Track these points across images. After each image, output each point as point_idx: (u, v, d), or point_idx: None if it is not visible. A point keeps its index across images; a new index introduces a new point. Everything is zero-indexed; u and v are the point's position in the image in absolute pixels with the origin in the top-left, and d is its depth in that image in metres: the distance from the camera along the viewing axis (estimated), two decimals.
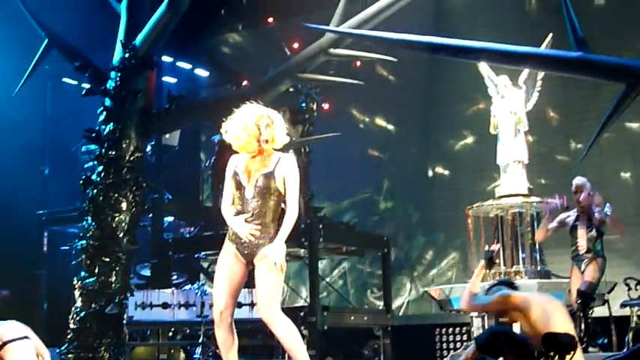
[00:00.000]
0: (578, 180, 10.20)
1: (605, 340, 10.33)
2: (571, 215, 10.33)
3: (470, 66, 13.17)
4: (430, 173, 17.00)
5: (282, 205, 5.99)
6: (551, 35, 12.15)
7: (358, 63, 14.56)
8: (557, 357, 6.07)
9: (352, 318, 13.53)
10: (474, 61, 11.38)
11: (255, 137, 5.90)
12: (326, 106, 14.99)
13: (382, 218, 17.19)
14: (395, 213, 17.16)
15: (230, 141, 6.04)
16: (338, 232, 13.90)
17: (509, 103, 12.57)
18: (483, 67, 12.78)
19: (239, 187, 5.94)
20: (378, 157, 17.53)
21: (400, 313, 16.06)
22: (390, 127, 17.68)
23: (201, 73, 17.25)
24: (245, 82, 15.25)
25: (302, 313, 12.19)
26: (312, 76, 12.91)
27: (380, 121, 17.80)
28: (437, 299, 12.37)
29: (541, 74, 12.62)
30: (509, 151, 12.49)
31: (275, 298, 5.84)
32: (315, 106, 14.35)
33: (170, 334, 12.22)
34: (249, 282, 6.20)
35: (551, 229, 10.58)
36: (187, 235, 15.46)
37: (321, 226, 13.22)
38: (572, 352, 6.12)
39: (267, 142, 5.92)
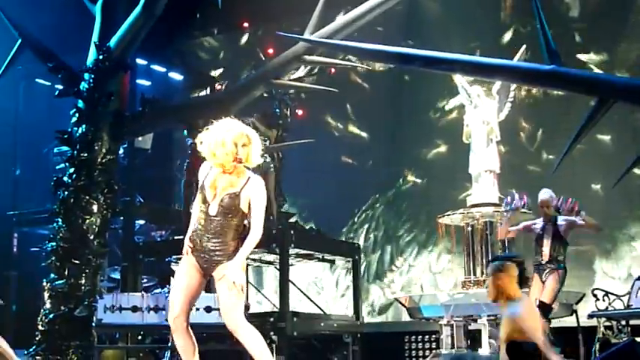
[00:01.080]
0: (543, 195, 10.25)
1: (559, 350, 10.43)
2: (537, 224, 10.41)
3: (444, 75, 13.26)
4: (403, 181, 17.06)
5: (245, 222, 5.97)
6: (524, 47, 12.27)
7: (333, 70, 14.61)
8: None
9: (322, 324, 13.55)
10: (447, 72, 11.45)
11: (232, 155, 5.85)
12: (300, 112, 15.02)
13: (354, 225, 17.23)
14: (366, 220, 17.21)
15: (204, 154, 5.97)
16: (309, 239, 13.94)
17: (482, 112, 12.67)
18: (457, 77, 12.88)
19: (204, 201, 5.90)
20: (352, 165, 17.58)
21: (370, 321, 16.09)
22: (364, 134, 17.74)
23: (176, 76, 17.23)
24: (219, 87, 15.24)
25: (272, 319, 12.20)
26: (287, 82, 12.90)
27: (353, 128, 17.86)
28: (406, 306, 12.43)
29: (514, 85, 12.74)
30: (481, 161, 12.58)
31: (237, 310, 5.90)
32: (288, 112, 14.37)
33: (139, 337, 12.18)
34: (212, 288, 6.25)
35: (513, 231, 10.67)
36: (158, 239, 15.42)
37: (292, 232, 13.24)
38: None
39: (240, 161, 5.86)
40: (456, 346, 11.32)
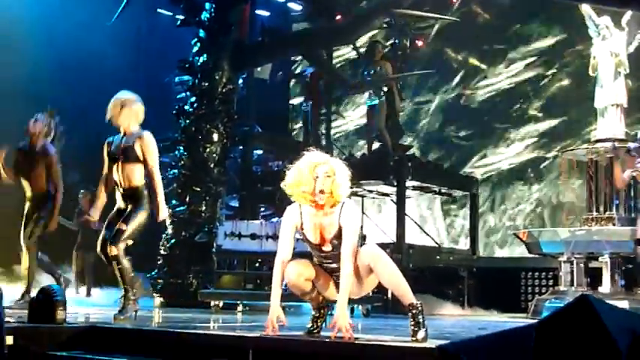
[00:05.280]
0: None
1: None
2: None
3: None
4: (522, 113, 16.69)
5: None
6: None
7: (454, 0, 14.29)
8: None
9: (438, 257, 13.49)
10: (577, 2, 11.02)
11: (317, 188, 5.39)
12: (420, 43, 14.76)
13: (473, 157, 17.01)
14: (485, 153, 16.95)
15: (288, 191, 5.51)
16: (427, 171, 13.80)
17: (611, 44, 12.13)
18: (585, 7, 12.36)
19: (313, 245, 5.58)
20: (472, 97, 17.29)
21: (486, 255, 15.95)
22: (484, 66, 17.37)
23: (295, 6, 17.14)
24: (339, 16, 15.11)
25: (387, 251, 12.18)
26: (407, 11, 12.69)
27: (473, 60, 17.51)
28: (525, 242, 12.21)
29: None
30: (608, 94, 12.08)
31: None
32: (408, 43, 14.16)
33: (257, 264, 12.39)
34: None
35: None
36: (276, 168, 15.55)
37: (409, 164, 13.14)
38: None
39: (323, 192, 5.40)
40: (575, 284, 11.07)
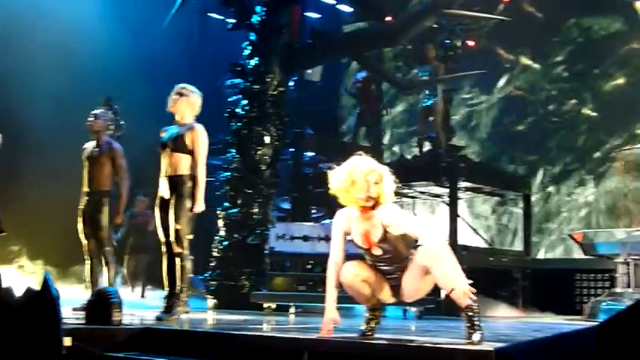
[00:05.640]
0: None
1: None
2: None
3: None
4: (576, 112, 16.47)
5: (410, 234, 5.58)
6: None
7: None
8: None
9: (491, 259, 13.37)
10: None
11: (365, 193, 5.44)
12: (471, 43, 14.63)
13: (525, 158, 16.84)
14: (539, 153, 16.77)
15: (336, 194, 5.59)
16: (479, 172, 13.69)
17: None
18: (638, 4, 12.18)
19: (363, 250, 5.60)
20: (523, 97, 17.11)
21: (540, 257, 15.78)
22: (536, 65, 17.18)
23: (345, 8, 17.13)
24: (389, 18, 15.06)
25: None
26: (458, 12, 12.60)
27: (525, 60, 17.32)
28: (580, 243, 12.05)
29: None
30: None
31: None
32: (459, 43, 14.06)
33: (309, 266, 12.39)
34: None
35: None
36: (327, 171, 15.53)
37: (461, 165, 13.05)
38: None
39: (373, 199, 5.47)
40: (632, 286, 10.89)
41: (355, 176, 5.47)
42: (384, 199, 5.52)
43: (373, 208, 5.52)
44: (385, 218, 5.50)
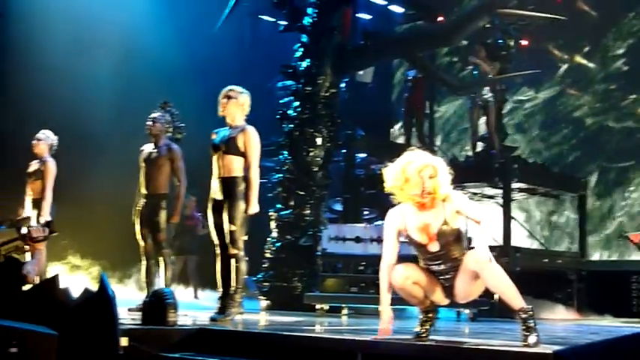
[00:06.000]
0: None
1: None
2: None
3: None
4: (629, 111, 16.23)
5: (461, 229, 5.56)
6: None
7: None
8: None
9: (545, 260, 13.22)
10: None
11: (420, 189, 5.39)
12: (524, 42, 14.48)
13: (581, 158, 16.63)
14: (594, 153, 16.55)
15: (392, 192, 5.54)
16: (533, 173, 13.55)
17: None
18: None
19: (420, 245, 5.54)
20: (577, 96, 16.90)
21: (595, 259, 15.57)
22: (591, 65, 16.96)
23: (396, 9, 17.09)
24: (441, 18, 14.99)
25: (494, 253, 11.98)
26: (512, 11, 12.50)
27: (579, 58, 17.11)
28: (637, 244, 11.87)
29: None
30: None
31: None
32: (512, 43, 13.93)
33: (361, 267, 12.37)
34: None
35: None
36: (378, 172, 15.48)
37: (515, 165, 12.93)
38: None
39: (429, 194, 5.42)
40: None
41: (409, 173, 5.42)
42: (440, 193, 5.45)
43: (432, 202, 5.46)
44: (450, 206, 5.46)
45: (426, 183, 5.40)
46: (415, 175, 5.41)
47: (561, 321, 11.42)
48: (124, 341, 5.49)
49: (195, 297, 13.70)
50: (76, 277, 13.73)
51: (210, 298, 13.02)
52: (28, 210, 9.81)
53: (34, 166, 9.88)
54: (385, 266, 5.59)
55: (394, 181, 5.50)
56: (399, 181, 5.47)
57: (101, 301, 5.07)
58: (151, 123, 9.08)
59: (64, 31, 14.36)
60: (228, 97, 7.59)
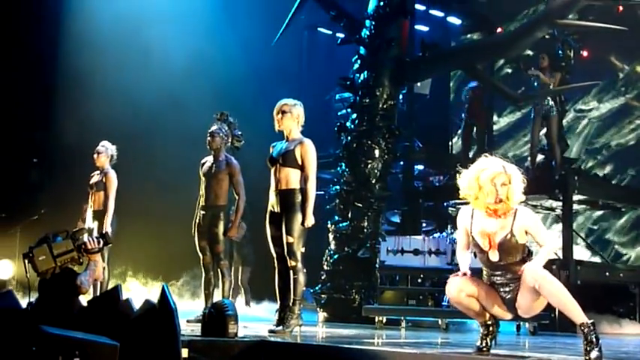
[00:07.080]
0: None
1: None
2: None
3: None
4: None
5: (527, 243, 5.54)
6: None
7: (620, 8, 13.78)
8: None
9: (607, 274, 13.01)
10: None
11: (493, 196, 5.40)
12: (585, 53, 14.31)
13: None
14: None
15: (466, 199, 5.58)
16: (594, 185, 13.36)
17: None
18: None
19: (481, 250, 5.55)
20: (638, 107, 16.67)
21: None
22: None
23: (454, 20, 17.03)
24: (499, 29, 14.90)
25: (554, 267, 11.86)
26: (571, 22, 12.35)
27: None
28: None
29: None
30: None
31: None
32: (572, 54, 13.76)
33: (419, 280, 12.32)
34: None
35: None
36: (437, 184, 15.44)
37: (575, 177, 12.76)
38: None
39: (502, 201, 5.42)
40: None
41: (482, 181, 5.44)
42: (513, 200, 5.45)
43: (505, 211, 5.47)
44: (520, 218, 5.46)
45: (500, 191, 5.40)
46: (488, 183, 5.42)
47: (624, 335, 11.22)
48: (184, 352, 5.54)
49: (247, 304, 13.67)
50: (135, 288, 13.90)
51: (263, 309, 13.09)
52: (88, 221, 9.95)
53: (95, 177, 10.00)
54: (460, 251, 5.79)
55: (468, 189, 5.51)
56: (472, 189, 5.49)
57: (163, 312, 5.12)
58: (210, 138, 9.16)
59: (127, 44, 14.58)
60: (283, 112, 7.64)
